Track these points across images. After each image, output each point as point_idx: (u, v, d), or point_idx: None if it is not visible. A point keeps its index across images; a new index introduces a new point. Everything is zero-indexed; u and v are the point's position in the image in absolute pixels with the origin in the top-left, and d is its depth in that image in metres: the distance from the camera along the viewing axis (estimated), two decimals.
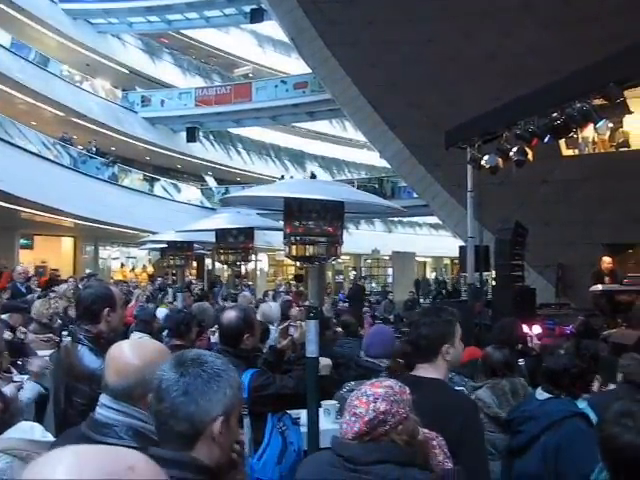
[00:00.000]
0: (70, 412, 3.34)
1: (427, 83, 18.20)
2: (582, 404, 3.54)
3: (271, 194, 3.74)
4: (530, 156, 12.42)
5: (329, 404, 4.85)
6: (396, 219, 40.53)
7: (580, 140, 19.02)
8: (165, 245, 8.70)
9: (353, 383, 4.48)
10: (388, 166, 25.51)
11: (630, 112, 11.14)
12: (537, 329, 11.69)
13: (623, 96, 10.43)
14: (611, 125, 18.63)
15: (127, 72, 33.59)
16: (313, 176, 33.84)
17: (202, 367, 1.81)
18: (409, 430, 2.38)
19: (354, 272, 40.66)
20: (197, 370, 1.80)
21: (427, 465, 2.45)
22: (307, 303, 4.17)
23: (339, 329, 7.52)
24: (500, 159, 12.68)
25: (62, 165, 26.69)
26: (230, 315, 4.16)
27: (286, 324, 4.42)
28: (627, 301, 12.11)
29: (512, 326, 5.43)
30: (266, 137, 40.63)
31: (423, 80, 18.24)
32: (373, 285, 39.33)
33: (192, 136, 33.61)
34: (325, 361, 4.15)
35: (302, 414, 4.24)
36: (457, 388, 3.93)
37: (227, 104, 32.71)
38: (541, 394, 3.59)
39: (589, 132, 18.75)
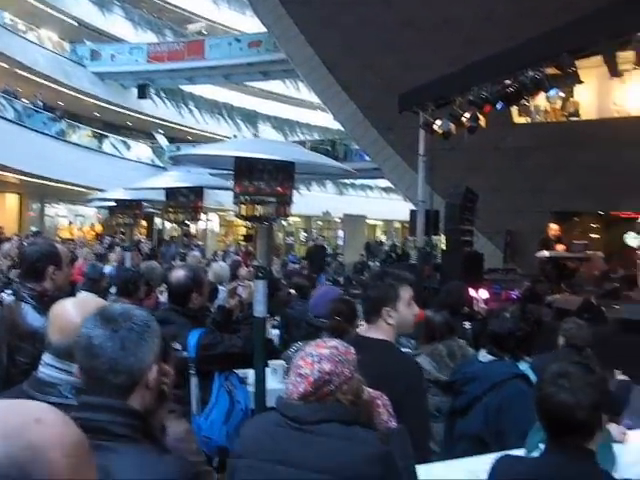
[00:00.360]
0: (13, 371, 3.28)
1: (382, 46, 18.12)
2: (524, 366, 3.62)
3: (221, 153, 3.69)
4: (482, 122, 12.52)
5: (276, 364, 4.88)
6: (348, 182, 40.56)
7: (532, 108, 19.27)
8: (114, 203, 8.55)
9: (301, 343, 4.50)
10: (342, 128, 25.43)
11: (581, 82, 11.25)
12: (484, 293, 11.91)
13: (575, 66, 10.53)
14: (563, 95, 18.94)
15: (75, 24, 32.58)
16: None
17: (132, 320, 1.85)
18: (354, 390, 2.40)
19: (305, 234, 40.72)
20: (129, 324, 1.84)
21: (371, 424, 2.49)
22: (256, 263, 4.16)
23: (292, 291, 7.54)
24: (453, 124, 12.75)
25: (6, 119, 25.86)
26: (179, 274, 4.15)
27: (235, 284, 4.41)
28: (572, 268, 12.41)
29: (459, 290, 5.51)
30: (219, 96, 40.02)
31: (379, 43, 18.14)
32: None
33: (143, 93, 32.89)
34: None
35: (249, 374, 4.26)
36: (403, 349, 3.96)
37: (180, 61, 32.04)
38: (484, 356, 3.65)
39: (541, 101, 19.00)
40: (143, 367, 1.82)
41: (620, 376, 4.44)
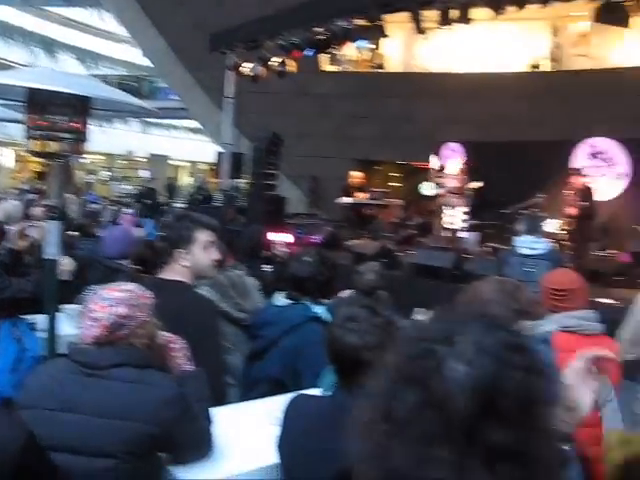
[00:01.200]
0: None
1: None
2: (321, 309, 3.71)
3: (12, 82, 3.42)
4: (291, 67, 12.60)
5: (70, 308, 4.68)
6: (153, 120, 39.36)
7: (341, 57, 19.64)
8: None
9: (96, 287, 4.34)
10: (150, 64, 24.52)
11: (386, 35, 11.59)
12: (286, 237, 12.13)
13: (382, 19, 10.82)
14: (371, 46, 19.43)
15: None
16: None
17: None
18: (149, 333, 2.37)
19: (108, 172, 39.19)
20: None
21: (166, 367, 2.47)
22: (49, 202, 3.93)
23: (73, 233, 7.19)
24: (262, 68, 12.74)
25: None
26: None
27: (24, 224, 4.16)
28: (371, 214, 12.92)
29: (258, 233, 5.55)
30: (14, 19, 37.05)
31: None
32: (128, 188, 38.17)
33: None
34: (67, 264, 3.97)
35: (40, 319, 4.05)
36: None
37: None
38: (280, 300, 3.71)
39: (350, 50, 19.42)
40: None
41: (420, 315, 4.69)
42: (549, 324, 2.99)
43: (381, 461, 0.99)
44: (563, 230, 10.14)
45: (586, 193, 9.90)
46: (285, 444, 2.21)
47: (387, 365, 1.06)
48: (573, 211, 9.84)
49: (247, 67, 12.77)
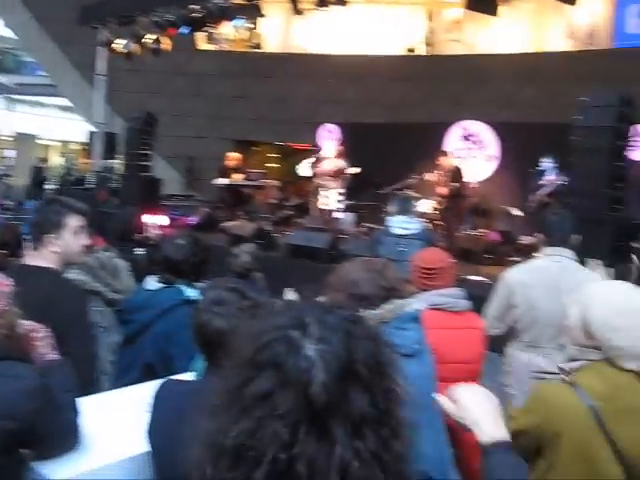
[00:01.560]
0: None
1: None
2: (194, 292, 3.65)
3: None
4: (166, 45, 12.29)
5: None
6: (19, 97, 37.48)
7: (218, 36, 19.37)
8: None
9: None
10: (14, 37, 23.25)
11: (263, 15, 11.52)
12: (162, 219, 11.89)
13: None
14: (249, 26, 19.25)
15: None
16: None
17: None
18: (8, 323, 2.24)
19: None
20: None
21: (27, 358, 2.34)
22: None
23: None
24: (136, 45, 12.36)
25: None
26: None
27: None
28: (248, 195, 12.85)
29: (130, 216, 5.40)
30: None
31: None
32: None
33: None
34: None
35: None
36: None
37: None
38: (152, 284, 3.62)
39: (228, 29, 19.17)
40: None
41: (290, 295, 4.69)
42: (418, 302, 3.04)
43: (222, 439, 1.04)
44: (434, 210, 10.43)
45: (455, 174, 10.21)
46: (154, 431, 2.15)
47: (241, 351, 1.11)
48: (443, 191, 10.13)
49: (120, 44, 12.33)
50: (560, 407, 2.09)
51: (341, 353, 1.04)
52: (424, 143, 12.35)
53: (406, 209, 5.29)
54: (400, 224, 5.21)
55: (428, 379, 2.83)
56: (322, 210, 11.35)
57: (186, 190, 17.80)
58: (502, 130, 12.94)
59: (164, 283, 3.58)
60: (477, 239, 10.82)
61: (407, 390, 1.11)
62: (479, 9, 9.09)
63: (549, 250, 3.77)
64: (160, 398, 2.21)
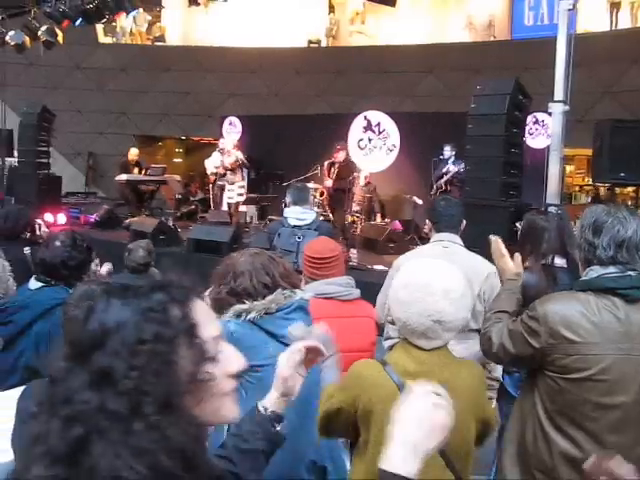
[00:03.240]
0: None
1: None
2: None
3: None
4: (60, 38, 11.88)
5: None
6: None
7: (118, 29, 18.92)
8: None
9: None
10: None
11: (162, 6, 11.32)
12: (60, 217, 11.58)
13: None
14: (149, 18, 18.88)
15: None
16: None
17: None
18: None
19: None
20: None
21: None
22: None
23: None
24: (27, 37, 11.90)
25: None
26: None
27: None
28: (150, 191, 12.62)
29: (19, 214, 5.18)
30: None
31: None
32: None
33: None
34: None
35: None
36: None
37: None
38: (34, 284, 3.50)
39: (128, 22, 18.75)
40: None
41: (106, 268, 4.65)
42: (307, 292, 3.03)
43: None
44: (325, 200, 10.58)
45: (347, 166, 10.33)
46: (17, 435, 2.06)
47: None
48: (334, 183, 10.24)
49: (10, 36, 11.83)
50: (371, 385, 2.13)
51: (111, 319, 1.07)
52: (327, 134, 12.40)
53: (301, 199, 5.25)
54: (296, 215, 5.18)
55: (315, 369, 2.82)
56: (226, 204, 11.28)
57: (88, 187, 17.34)
58: (404, 120, 13.08)
59: (44, 283, 3.46)
60: (381, 228, 10.93)
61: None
62: (377, 0, 9.13)
63: (437, 236, 3.81)
64: (24, 401, 2.11)
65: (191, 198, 14.78)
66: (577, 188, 16.13)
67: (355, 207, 11.80)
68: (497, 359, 2.59)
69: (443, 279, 2.13)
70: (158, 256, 5.41)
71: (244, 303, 2.66)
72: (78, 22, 11.36)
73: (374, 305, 3.67)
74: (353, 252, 9.21)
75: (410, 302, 2.10)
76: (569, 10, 6.54)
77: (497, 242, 2.76)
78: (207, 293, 2.85)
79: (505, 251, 2.72)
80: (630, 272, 2.27)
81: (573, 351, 2.25)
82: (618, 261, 2.27)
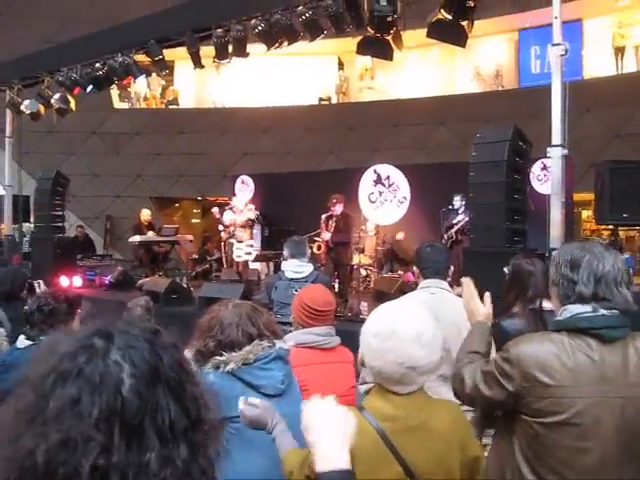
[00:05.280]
0: None
1: None
2: None
3: None
4: (72, 105, 12.17)
5: None
6: None
7: (133, 94, 19.38)
8: None
9: None
10: None
11: (167, 69, 11.57)
12: (75, 280, 11.70)
13: (162, 54, 10.72)
14: (163, 82, 19.31)
15: None
16: None
17: None
18: None
19: None
20: None
21: None
22: None
23: None
24: (42, 105, 12.21)
25: None
26: None
27: None
28: (163, 252, 12.72)
29: (12, 275, 5.27)
30: None
31: None
32: None
33: None
34: None
35: None
36: None
37: None
38: (22, 342, 3.53)
39: (142, 87, 19.20)
40: None
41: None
42: (288, 341, 3.03)
43: (29, 458, 0.97)
44: (323, 253, 10.60)
45: (345, 219, 10.34)
46: None
47: (42, 363, 1.06)
48: (332, 237, 10.20)
49: (25, 105, 12.16)
50: None
51: (148, 357, 1.04)
52: (337, 190, 12.44)
53: (298, 252, 5.28)
54: (293, 267, 5.20)
55: (297, 417, 2.79)
56: (236, 262, 11.35)
57: (106, 250, 17.53)
58: (416, 172, 13.14)
59: (30, 340, 3.49)
60: (393, 281, 10.88)
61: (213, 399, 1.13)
62: (372, 53, 9.25)
63: (425, 282, 3.80)
64: None
65: (207, 257, 14.89)
66: (588, 233, 16.04)
67: (366, 260, 11.79)
68: (470, 401, 2.51)
69: (412, 324, 2.10)
70: (170, 315, 5.46)
71: (222, 355, 2.67)
72: (89, 89, 11.61)
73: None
74: (363, 305, 9.16)
75: (382, 350, 2.07)
76: (561, 56, 6.56)
77: (468, 284, 2.75)
78: (190, 347, 2.87)
79: (475, 293, 2.71)
80: (604, 311, 2.24)
81: (547, 394, 2.20)
82: (599, 296, 2.24)
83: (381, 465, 2.04)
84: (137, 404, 0.99)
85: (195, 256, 15.01)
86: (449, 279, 3.89)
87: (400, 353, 2.05)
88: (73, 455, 0.95)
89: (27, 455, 0.97)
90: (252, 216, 11.29)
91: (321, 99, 18.08)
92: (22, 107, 12.30)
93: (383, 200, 12.96)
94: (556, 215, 6.67)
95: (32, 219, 13.51)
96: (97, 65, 11.25)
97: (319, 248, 10.78)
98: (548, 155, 6.77)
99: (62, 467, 0.95)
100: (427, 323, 2.14)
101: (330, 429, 1.55)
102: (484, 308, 2.64)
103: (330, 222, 10.29)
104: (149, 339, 1.09)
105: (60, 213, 12.22)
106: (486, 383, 2.34)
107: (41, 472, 0.96)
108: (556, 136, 6.64)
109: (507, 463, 2.34)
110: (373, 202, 12.17)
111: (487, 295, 2.66)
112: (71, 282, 11.52)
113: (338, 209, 10.37)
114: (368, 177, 13.21)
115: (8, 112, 13.02)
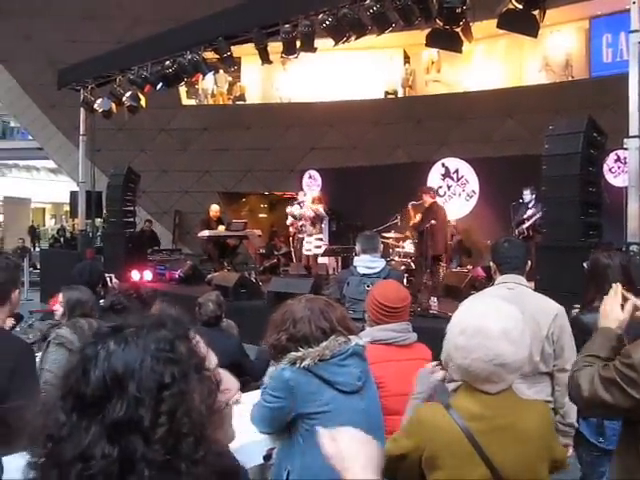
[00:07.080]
0: None
1: (42, 15, 17.21)
2: None
3: None
4: (143, 103, 12.39)
5: None
6: (10, 162, 37.74)
7: (200, 91, 19.60)
8: None
9: None
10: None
11: (235, 66, 11.66)
12: (148, 274, 11.92)
13: (230, 51, 10.82)
14: (230, 79, 19.47)
15: None
16: None
17: None
18: None
19: None
20: None
21: None
22: None
23: None
24: (114, 104, 12.47)
25: None
26: None
27: None
28: (232, 246, 12.85)
29: (90, 268, 5.39)
30: None
31: (40, 13, 17.21)
32: None
33: None
34: None
35: None
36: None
37: None
38: None
39: (209, 84, 19.40)
40: None
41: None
42: (364, 337, 3.01)
43: None
44: (411, 247, 10.45)
45: (433, 210, 10.15)
46: None
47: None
48: (421, 228, 10.05)
49: (98, 103, 12.45)
50: (435, 429, 2.06)
51: (120, 365, 1.09)
52: (406, 184, 12.38)
53: (370, 247, 5.23)
54: (364, 263, 5.15)
55: (372, 414, 2.78)
56: (305, 256, 11.38)
57: (175, 244, 17.81)
58: (484, 165, 12.96)
59: None
60: (463, 276, 10.75)
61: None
62: (440, 46, 9.12)
63: (502, 278, 3.72)
64: None
65: (275, 252, 14.98)
66: None
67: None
68: (587, 407, 2.37)
69: (499, 320, 2.04)
70: (239, 309, 5.49)
71: (299, 350, 2.66)
72: (159, 86, 11.80)
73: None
74: (433, 300, 9.08)
75: (469, 348, 2.01)
76: (639, 43, 6.34)
77: (618, 287, 2.54)
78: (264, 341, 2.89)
79: (619, 298, 2.49)
80: None
81: None
82: None
83: (467, 465, 2.00)
84: (90, 395, 1.08)
85: (262, 251, 15.11)
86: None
87: (488, 350, 1.99)
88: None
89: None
90: (321, 210, 11.31)
91: (387, 93, 17.93)
92: (95, 105, 12.59)
93: (452, 194, 12.85)
94: (633, 208, 6.47)
95: (104, 214, 13.83)
96: (167, 63, 11.40)
97: (399, 240, 10.56)
98: (625, 146, 6.55)
99: None
100: (514, 319, 2.08)
101: (359, 456, 1.49)
102: (620, 314, 2.49)
103: (415, 213, 10.14)
104: (151, 349, 1.12)
105: (131, 208, 12.49)
106: (607, 390, 2.18)
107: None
108: (634, 126, 6.42)
109: (634, 471, 2.21)
110: (442, 196, 12.06)
111: (630, 302, 2.48)
112: (142, 276, 11.75)
113: (427, 200, 10.14)
114: (436, 171, 13.10)
115: (82, 111, 13.32)
